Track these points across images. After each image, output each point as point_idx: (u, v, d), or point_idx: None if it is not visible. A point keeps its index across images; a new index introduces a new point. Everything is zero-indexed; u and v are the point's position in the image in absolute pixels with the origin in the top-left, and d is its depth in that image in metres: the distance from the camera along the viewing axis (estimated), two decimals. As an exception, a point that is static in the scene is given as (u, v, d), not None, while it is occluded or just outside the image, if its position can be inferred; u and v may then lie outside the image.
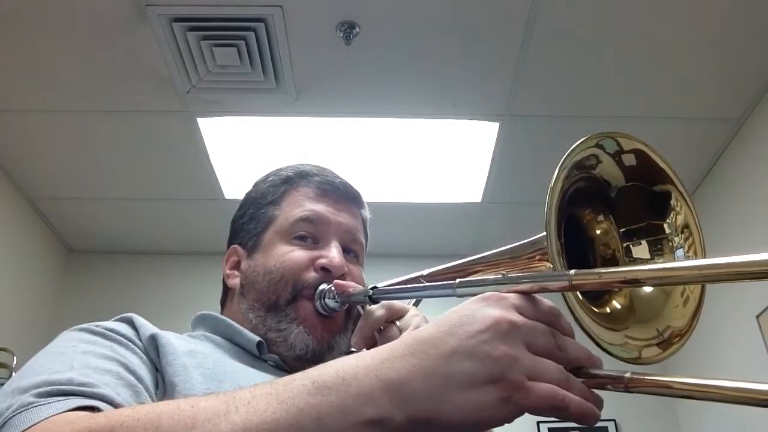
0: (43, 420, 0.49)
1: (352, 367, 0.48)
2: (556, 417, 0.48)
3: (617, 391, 0.50)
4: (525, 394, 0.46)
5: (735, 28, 2.17)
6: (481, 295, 0.52)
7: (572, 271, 0.50)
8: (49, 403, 0.50)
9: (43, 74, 2.31)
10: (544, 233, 0.53)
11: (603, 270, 0.52)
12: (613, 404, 3.05)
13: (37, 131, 2.60)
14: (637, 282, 0.48)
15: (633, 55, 2.27)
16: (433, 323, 0.51)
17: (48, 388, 0.52)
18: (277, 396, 0.46)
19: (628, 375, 0.49)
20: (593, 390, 0.50)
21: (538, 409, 0.47)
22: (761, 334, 2.40)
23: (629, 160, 0.59)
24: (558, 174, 0.54)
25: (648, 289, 0.57)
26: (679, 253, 0.59)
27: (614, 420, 3.03)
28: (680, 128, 2.58)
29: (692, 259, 0.57)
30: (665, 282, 0.52)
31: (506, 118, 2.54)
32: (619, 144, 0.58)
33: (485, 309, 0.49)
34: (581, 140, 0.56)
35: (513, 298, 0.51)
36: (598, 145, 0.57)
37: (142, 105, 2.46)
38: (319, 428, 0.45)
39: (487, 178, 2.87)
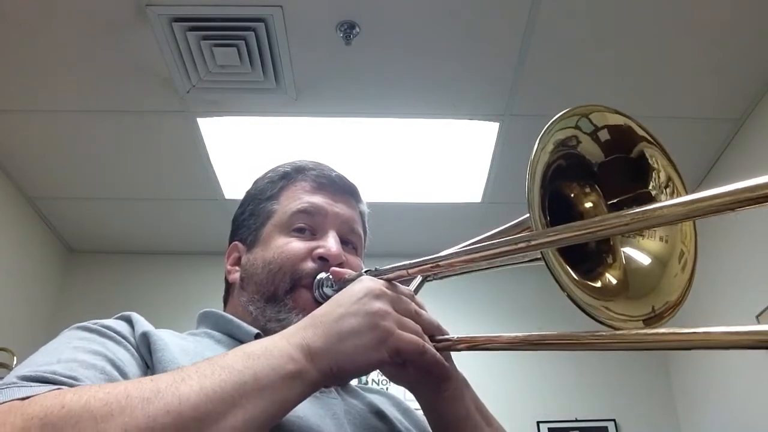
0: (14, 399, 0.52)
1: (271, 341, 0.61)
2: (416, 360, 0.63)
3: (453, 350, 0.68)
4: (396, 338, 0.61)
5: (735, 28, 2.17)
6: (357, 279, 0.69)
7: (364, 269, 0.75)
8: (30, 386, 0.55)
9: (43, 74, 2.32)
10: (528, 214, 0.55)
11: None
12: (613, 404, 3.08)
13: (37, 131, 2.60)
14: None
15: (633, 55, 2.27)
16: (326, 303, 0.66)
17: (31, 374, 0.56)
18: (217, 364, 0.56)
19: (455, 337, 0.68)
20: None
21: (406, 351, 0.62)
22: (761, 334, 2.39)
23: (604, 135, 0.61)
24: (536, 148, 0.56)
25: (645, 261, 0.59)
26: None
27: (614, 420, 3.01)
28: (680, 128, 2.58)
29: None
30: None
31: (506, 118, 2.54)
32: (592, 122, 0.60)
33: (361, 283, 0.66)
34: (552, 120, 0.57)
35: (379, 280, 0.68)
36: (576, 126, 0.59)
37: (142, 105, 2.46)
38: (256, 382, 0.55)
39: (487, 178, 2.87)
